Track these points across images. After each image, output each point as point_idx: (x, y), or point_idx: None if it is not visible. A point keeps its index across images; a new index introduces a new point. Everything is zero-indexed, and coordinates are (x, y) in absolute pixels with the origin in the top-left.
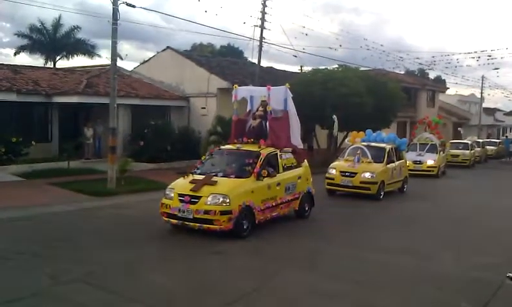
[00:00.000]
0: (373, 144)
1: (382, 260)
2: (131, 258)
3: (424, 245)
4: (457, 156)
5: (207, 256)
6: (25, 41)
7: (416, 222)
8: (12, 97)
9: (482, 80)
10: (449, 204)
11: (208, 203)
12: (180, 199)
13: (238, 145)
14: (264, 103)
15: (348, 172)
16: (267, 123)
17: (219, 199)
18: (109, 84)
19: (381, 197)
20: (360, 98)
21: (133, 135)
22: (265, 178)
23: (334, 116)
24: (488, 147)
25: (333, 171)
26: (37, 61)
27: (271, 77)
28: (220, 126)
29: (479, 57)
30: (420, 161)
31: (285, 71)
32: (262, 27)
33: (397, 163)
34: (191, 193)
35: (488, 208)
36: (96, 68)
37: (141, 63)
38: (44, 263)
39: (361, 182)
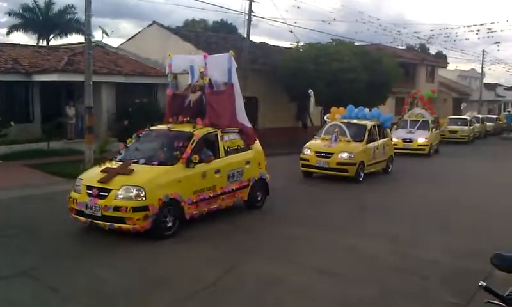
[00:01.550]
0: (353, 121)
1: (360, 247)
2: (79, 250)
3: (407, 230)
4: (455, 132)
5: (162, 245)
6: (17, 21)
7: (400, 205)
8: None
9: (483, 54)
10: (439, 185)
11: (120, 197)
12: (87, 193)
13: (170, 125)
14: (203, 75)
15: (324, 152)
16: (206, 99)
17: (132, 192)
18: (93, 61)
19: (361, 179)
20: (353, 73)
21: (118, 114)
22: (199, 165)
23: (310, 91)
24: (487, 123)
25: (308, 151)
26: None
27: (263, 53)
28: None
29: (478, 31)
30: (410, 139)
31: (278, 46)
32: (251, 0)
33: (380, 141)
34: (99, 185)
35: (483, 189)
36: (82, 45)
37: (127, 40)
38: None
39: (338, 163)
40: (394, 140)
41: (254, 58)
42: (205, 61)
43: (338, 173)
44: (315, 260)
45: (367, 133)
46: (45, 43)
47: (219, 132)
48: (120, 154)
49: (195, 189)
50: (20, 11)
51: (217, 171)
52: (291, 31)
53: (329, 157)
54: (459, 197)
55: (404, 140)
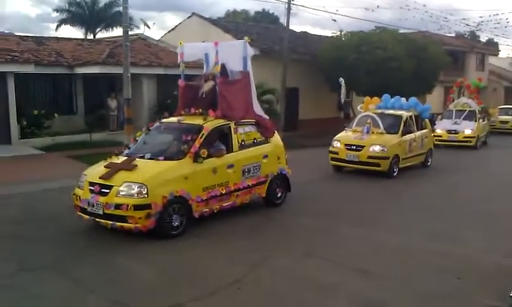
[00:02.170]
0: (388, 111)
1: (393, 243)
2: (107, 242)
3: (445, 226)
4: (506, 122)
5: (187, 239)
6: (64, 15)
7: (437, 200)
8: (29, 68)
9: None
10: (484, 179)
11: (121, 194)
12: (90, 189)
13: (180, 117)
14: (222, 64)
15: (354, 145)
16: (218, 89)
17: (133, 189)
18: (133, 53)
19: (395, 174)
20: (397, 61)
21: (158, 106)
22: (208, 160)
23: (341, 79)
24: None
25: (337, 144)
26: (80, 34)
27: (304, 42)
28: None
29: None
30: (455, 130)
31: (320, 36)
32: None
33: (417, 133)
34: (100, 181)
35: None
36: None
37: (168, 32)
38: (18, 246)
39: (369, 157)
40: (438, 131)
41: (294, 47)
42: (216, 48)
43: (369, 168)
44: (346, 256)
45: (402, 124)
46: (91, 37)
47: (232, 124)
48: (129, 148)
49: (205, 186)
50: (67, 6)
51: (230, 166)
52: (334, 20)
53: (359, 150)
54: (504, 193)
55: (449, 131)
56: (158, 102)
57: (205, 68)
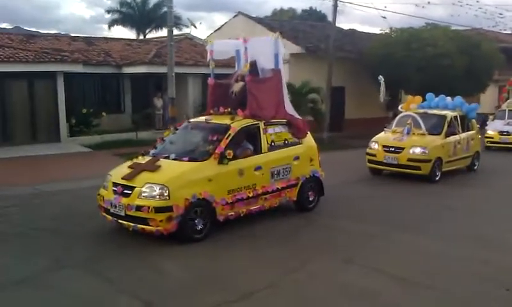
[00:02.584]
0: (431, 111)
1: (436, 250)
2: (143, 241)
3: (493, 234)
4: None
5: (221, 239)
6: (115, 16)
7: (483, 206)
8: (78, 68)
9: None
10: None
11: (143, 195)
12: (113, 190)
13: (207, 117)
14: (252, 62)
15: (393, 147)
16: (247, 87)
17: (155, 190)
18: (180, 53)
19: (437, 178)
20: (448, 58)
21: (203, 105)
22: (234, 161)
23: (380, 77)
24: None
25: (375, 146)
26: (131, 34)
27: (351, 40)
28: (290, 94)
29: None
30: (507, 132)
31: (368, 33)
32: None
33: (463, 135)
34: (123, 182)
35: None
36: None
37: (214, 31)
38: (53, 243)
39: (409, 159)
40: (490, 132)
41: (340, 45)
42: (244, 45)
43: (409, 171)
44: (387, 263)
45: (446, 125)
46: (142, 37)
47: (261, 124)
48: (155, 148)
49: (230, 188)
50: (118, 7)
51: (258, 168)
52: (384, 17)
53: (399, 152)
54: None
55: (501, 133)
56: (203, 101)
57: (236, 66)
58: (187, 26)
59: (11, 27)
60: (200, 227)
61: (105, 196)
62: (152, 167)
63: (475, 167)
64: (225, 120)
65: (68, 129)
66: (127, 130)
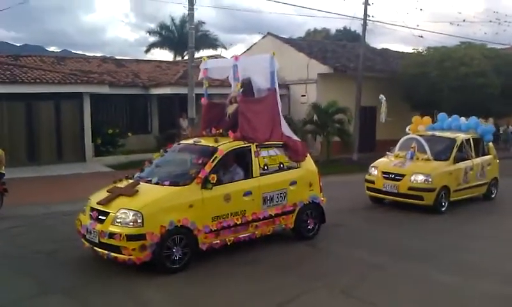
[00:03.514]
0: (440, 133)
1: (447, 285)
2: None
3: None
4: None
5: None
6: (155, 39)
7: (508, 237)
8: (104, 89)
9: None
10: None
11: (117, 222)
12: (89, 215)
13: (196, 139)
14: (246, 81)
15: (392, 173)
16: (238, 108)
17: (128, 217)
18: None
19: (444, 208)
20: (483, 78)
21: None
22: (220, 186)
23: (381, 96)
24: None
25: (374, 172)
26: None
27: (383, 59)
28: (317, 114)
29: None
30: None
31: (402, 52)
32: (366, 3)
33: (477, 160)
34: (98, 207)
35: None
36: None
37: (243, 52)
38: (46, 267)
39: (410, 188)
40: None
41: (372, 65)
42: (235, 63)
43: (410, 201)
44: (392, 299)
45: (455, 149)
46: (180, 59)
47: (253, 147)
48: (142, 171)
49: (215, 215)
50: (158, 29)
51: (248, 193)
52: (421, 36)
53: (399, 180)
54: None
55: None
56: None
57: (232, 85)
58: (225, 48)
59: (59, 51)
60: (177, 256)
61: (83, 221)
62: (130, 191)
63: (493, 195)
64: (213, 142)
65: (94, 149)
66: (152, 150)
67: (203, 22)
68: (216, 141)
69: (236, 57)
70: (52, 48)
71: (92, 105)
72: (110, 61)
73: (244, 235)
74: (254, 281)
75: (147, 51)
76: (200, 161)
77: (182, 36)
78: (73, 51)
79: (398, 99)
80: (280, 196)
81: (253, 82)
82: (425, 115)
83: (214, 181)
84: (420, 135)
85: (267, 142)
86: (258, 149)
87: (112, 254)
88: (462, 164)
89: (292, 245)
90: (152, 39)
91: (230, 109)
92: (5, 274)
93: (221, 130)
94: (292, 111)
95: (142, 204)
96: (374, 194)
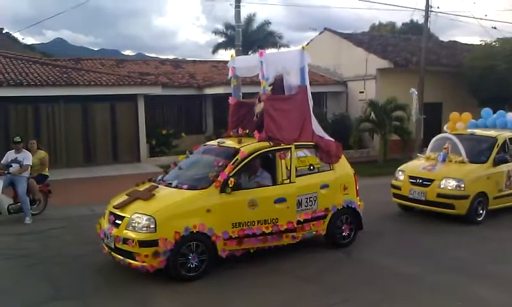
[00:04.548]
0: (480, 132)
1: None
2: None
3: None
4: None
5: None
6: (221, 39)
7: None
8: (157, 90)
9: None
10: None
11: (131, 227)
12: (108, 219)
13: (220, 140)
14: (279, 78)
15: (420, 178)
16: (264, 107)
17: (141, 221)
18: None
19: (481, 218)
20: None
21: None
22: (241, 191)
23: (412, 90)
24: None
25: (401, 176)
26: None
27: (450, 52)
28: (374, 112)
29: None
30: None
31: (472, 45)
32: None
33: None
34: (115, 211)
35: None
36: None
37: None
38: (67, 271)
39: (438, 195)
40: None
41: (437, 59)
42: (260, 59)
43: (439, 209)
44: None
45: (495, 149)
46: None
47: (280, 148)
48: (166, 174)
49: (236, 221)
50: (224, 30)
51: (279, 200)
52: (495, 27)
53: (427, 186)
54: None
55: None
56: None
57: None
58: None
59: (133, 54)
60: (194, 264)
61: (102, 225)
62: (146, 195)
63: None
64: (237, 144)
65: (149, 150)
66: None
67: (269, 22)
68: (240, 142)
69: (261, 53)
70: (127, 52)
71: (147, 106)
72: (168, 62)
73: (271, 244)
74: (277, 292)
75: (214, 52)
76: (221, 163)
77: (246, 36)
78: (146, 54)
79: (465, 94)
80: (310, 201)
81: (285, 80)
82: (495, 112)
83: (232, 185)
84: (458, 134)
85: (296, 143)
86: (284, 151)
87: (127, 260)
88: (504, 167)
89: (314, 255)
90: (220, 40)
91: (258, 108)
92: (27, 277)
93: (247, 131)
94: (349, 109)
95: (155, 209)
96: (401, 201)
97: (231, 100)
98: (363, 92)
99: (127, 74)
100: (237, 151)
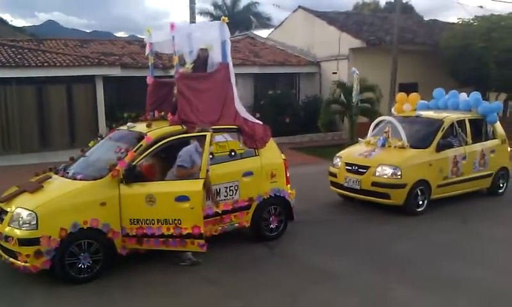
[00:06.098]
0: (426, 114)
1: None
2: None
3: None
4: None
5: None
6: (208, 19)
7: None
8: (115, 71)
9: None
10: None
11: (12, 223)
12: None
13: (131, 124)
14: (204, 53)
15: (355, 165)
16: (177, 86)
17: (22, 217)
18: (233, 53)
19: (421, 209)
20: None
21: (253, 106)
22: (138, 184)
23: (353, 69)
24: None
25: (338, 162)
26: None
27: (428, 31)
28: (343, 93)
29: None
30: None
31: (452, 23)
32: None
33: (475, 146)
34: (0, 205)
35: None
36: (236, 37)
37: (275, 28)
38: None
39: (373, 184)
40: None
41: (413, 38)
42: (171, 34)
43: (374, 199)
44: None
45: (439, 133)
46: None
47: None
48: (74, 161)
49: (134, 217)
50: (210, 10)
51: (183, 198)
52: (481, 6)
53: (362, 173)
54: None
55: None
56: (255, 102)
57: (187, 59)
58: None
59: (127, 36)
60: (86, 264)
61: None
62: (34, 187)
63: (502, 190)
64: (145, 128)
65: (108, 131)
66: None
67: (257, 2)
68: (148, 126)
69: (172, 26)
70: (120, 34)
71: (108, 88)
72: (136, 42)
73: (174, 241)
74: (174, 295)
75: None
76: (123, 150)
77: (233, 16)
78: (139, 36)
79: (443, 75)
80: (230, 190)
81: (210, 56)
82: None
83: (128, 175)
84: (404, 117)
85: (215, 127)
86: (200, 135)
87: (10, 259)
88: (449, 152)
89: (246, 247)
90: (206, 20)
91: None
92: None
93: (162, 113)
94: (323, 90)
95: (38, 203)
96: (337, 189)
97: (148, 79)
98: (336, 73)
99: (84, 55)
100: (142, 136)
